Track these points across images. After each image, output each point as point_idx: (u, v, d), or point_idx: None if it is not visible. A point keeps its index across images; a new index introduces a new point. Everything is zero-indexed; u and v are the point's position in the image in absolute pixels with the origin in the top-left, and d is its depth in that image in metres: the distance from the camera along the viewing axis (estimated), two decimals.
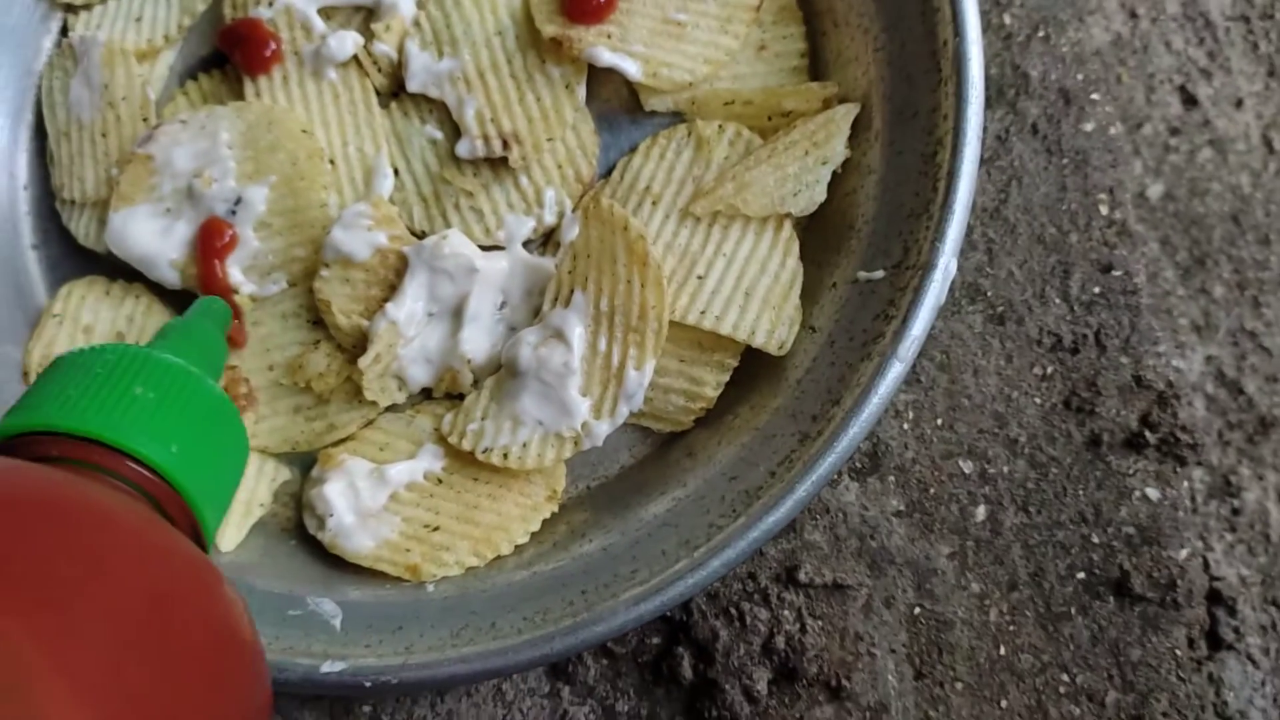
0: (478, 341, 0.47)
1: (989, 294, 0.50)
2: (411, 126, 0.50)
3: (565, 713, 0.47)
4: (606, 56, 0.48)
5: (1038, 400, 0.49)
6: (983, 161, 0.51)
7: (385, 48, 0.50)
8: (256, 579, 0.45)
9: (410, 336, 0.47)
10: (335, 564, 0.46)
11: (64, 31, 0.54)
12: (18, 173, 0.53)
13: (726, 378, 0.47)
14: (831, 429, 0.41)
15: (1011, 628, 0.47)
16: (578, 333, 0.46)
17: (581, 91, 0.49)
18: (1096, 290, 0.50)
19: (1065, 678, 0.47)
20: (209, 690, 0.26)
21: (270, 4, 0.51)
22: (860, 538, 0.48)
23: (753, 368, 0.47)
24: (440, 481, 0.47)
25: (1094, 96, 0.53)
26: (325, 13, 0.51)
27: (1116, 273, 0.51)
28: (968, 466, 0.49)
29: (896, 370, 0.41)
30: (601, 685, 0.47)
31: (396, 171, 0.50)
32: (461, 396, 0.48)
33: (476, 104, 0.49)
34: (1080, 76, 0.53)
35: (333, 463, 0.47)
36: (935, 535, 0.48)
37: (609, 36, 0.48)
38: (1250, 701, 0.47)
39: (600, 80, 0.50)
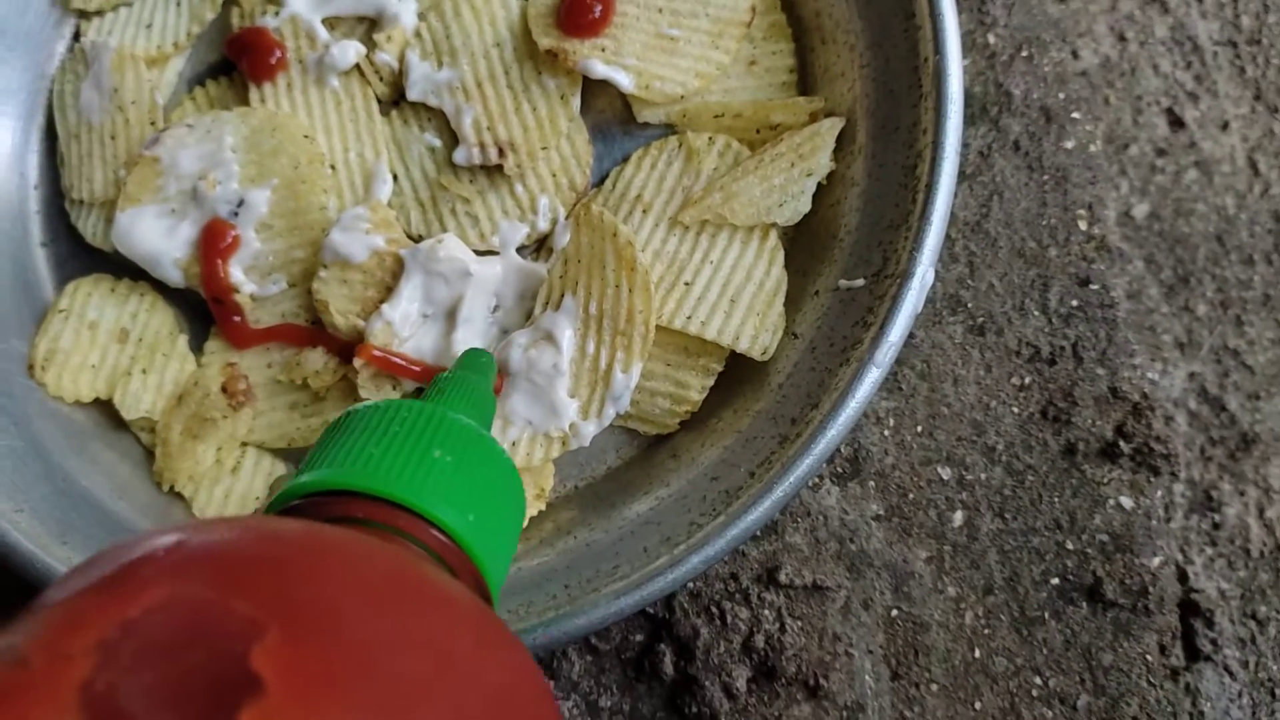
0: (471, 342, 0.49)
1: (970, 305, 0.51)
2: (411, 134, 0.52)
3: None
4: (601, 69, 0.49)
5: (1015, 409, 0.50)
6: (965, 177, 0.53)
7: (386, 57, 0.52)
8: None
9: (405, 337, 0.49)
10: None
11: (76, 37, 0.55)
12: (28, 173, 0.54)
13: (711, 382, 0.48)
14: (810, 432, 0.42)
15: (986, 631, 0.48)
16: (567, 335, 0.47)
17: (576, 102, 0.50)
18: (1074, 303, 0.51)
19: (1038, 681, 0.47)
20: None
21: (276, 13, 0.52)
22: (840, 541, 0.49)
23: (737, 372, 0.48)
24: None
25: (1075, 115, 0.54)
26: (329, 22, 0.52)
27: (1094, 286, 0.52)
28: (946, 473, 0.50)
29: (873, 375, 0.42)
30: (585, 681, 0.48)
31: (395, 177, 0.51)
32: None
33: (474, 113, 0.50)
34: (1062, 96, 0.54)
35: None
36: (913, 539, 0.49)
37: (603, 50, 0.49)
38: (1227, 712, 0.48)
39: (595, 92, 0.51)
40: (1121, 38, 0.57)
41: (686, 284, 0.47)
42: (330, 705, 0.19)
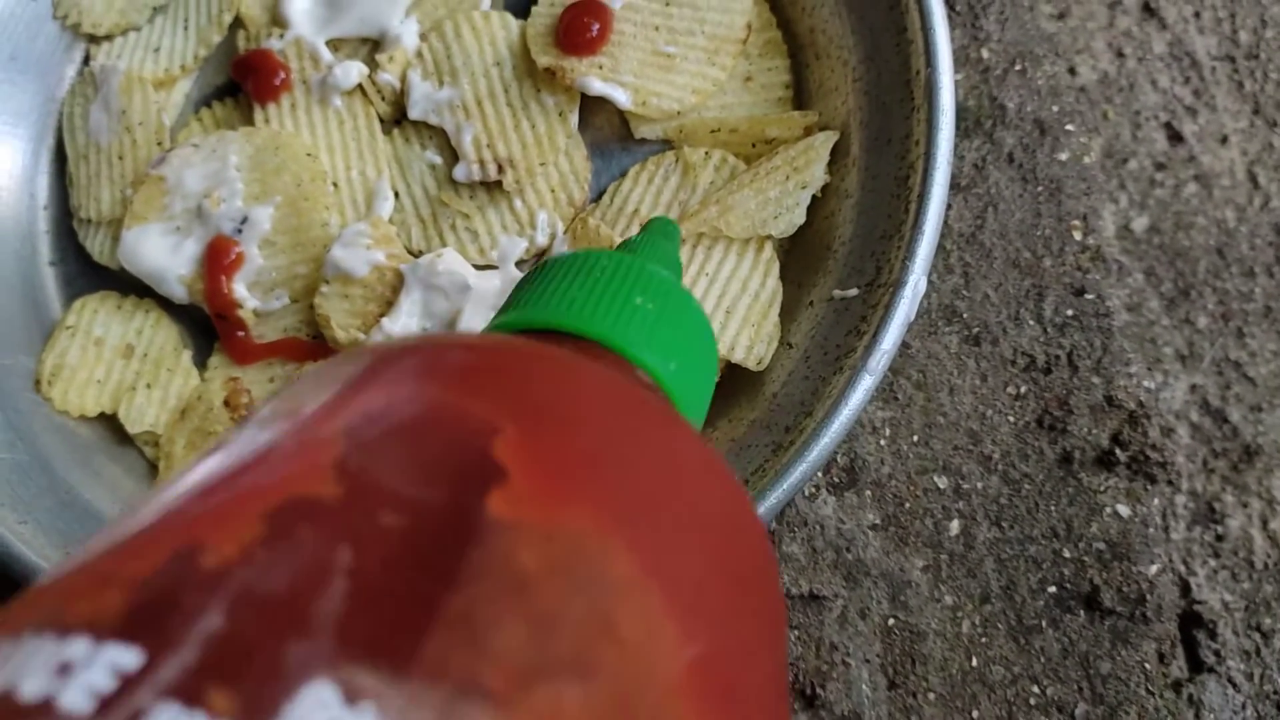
0: None
1: (965, 315, 0.52)
2: (412, 151, 0.53)
3: None
4: (598, 86, 0.50)
5: (1011, 419, 0.50)
6: (960, 189, 0.53)
7: (388, 77, 0.52)
8: None
9: None
10: None
11: (86, 61, 0.56)
12: (38, 193, 0.55)
13: None
14: (803, 439, 0.43)
15: (983, 639, 0.48)
16: None
17: (574, 119, 0.51)
18: (1069, 313, 0.52)
19: (1036, 689, 0.47)
20: (772, 620, 0.23)
21: (281, 36, 0.53)
22: (837, 550, 0.49)
23: (732, 382, 0.48)
24: None
25: (1069, 128, 0.54)
26: (333, 44, 0.53)
27: (1089, 296, 0.52)
28: (943, 482, 0.50)
29: (866, 383, 0.43)
30: None
31: (396, 194, 0.52)
32: None
33: (474, 130, 0.51)
34: (1055, 109, 0.55)
35: None
36: (910, 548, 0.49)
37: (601, 67, 0.50)
38: None
39: (593, 109, 0.52)
40: (1120, 54, 0.58)
41: None
42: (571, 494, 0.19)
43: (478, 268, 0.50)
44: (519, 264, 0.51)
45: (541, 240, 0.51)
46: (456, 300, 0.49)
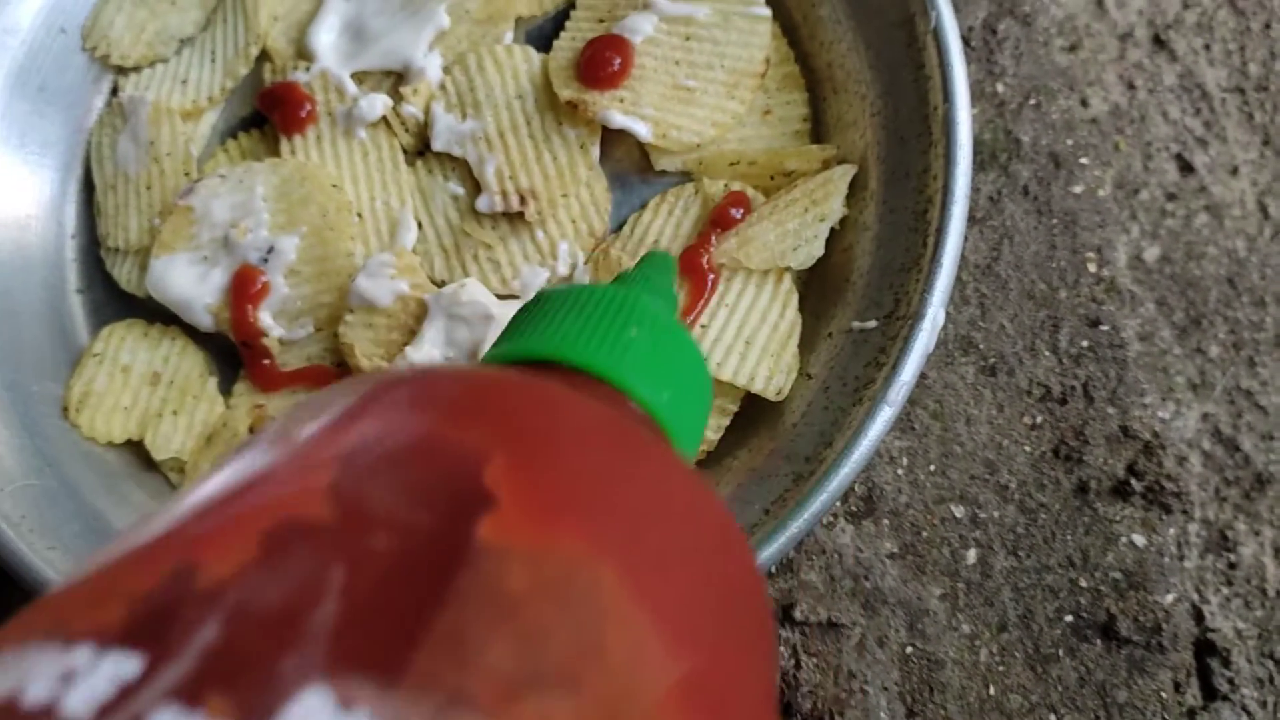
0: None
1: (981, 346, 0.52)
2: (435, 183, 0.53)
3: None
4: (619, 119, 0.51)
5: (1027, 448, 0.51)
6: (975, 221, 0.54)
7: (412, 109, 0.53)
8: None
9: None
10: None
11: (114, 92, 0.57)
12: (65, 222, 0.56)
13: (727, 422, 0.49)
14: (824, 469, 0.43)
15: (1001, 668, 0.48)
16: None
17: (595, 151, 0.52)
18: (1084, 344, 0.52)
19: (1053, 717, 0.48)
20: (760, 643, 0.23)
21: (307, 69, 0.54)
22: (855, 578, 0.49)
23: (752, 413, 0.49)
24: None
25: (1083, 161, 0.55)
26: (358, 77, 0.54)
27: (1104, 327, 0.53)
28: (959, 511, 0.50)
29: (886, 414, 0.43)
30: None
31: (420, 224, 0.53)
32: None
33: (496, 162, 0.52)
34: (1070, 142, 0.56)
35: None
36: (927, 577, 0.49)
37: (622, 100, 0.51)
38: None
39: (613, 141, 0.52)
40: (1130, 86, 0.58)
41: (703, 326, 0.48)
42: (559, 520, 0.20)
43: (500, 297, 0.51)
44: None
45: (563, 270, 0.52)
46: (479, 330, 0.50)
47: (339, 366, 0.52)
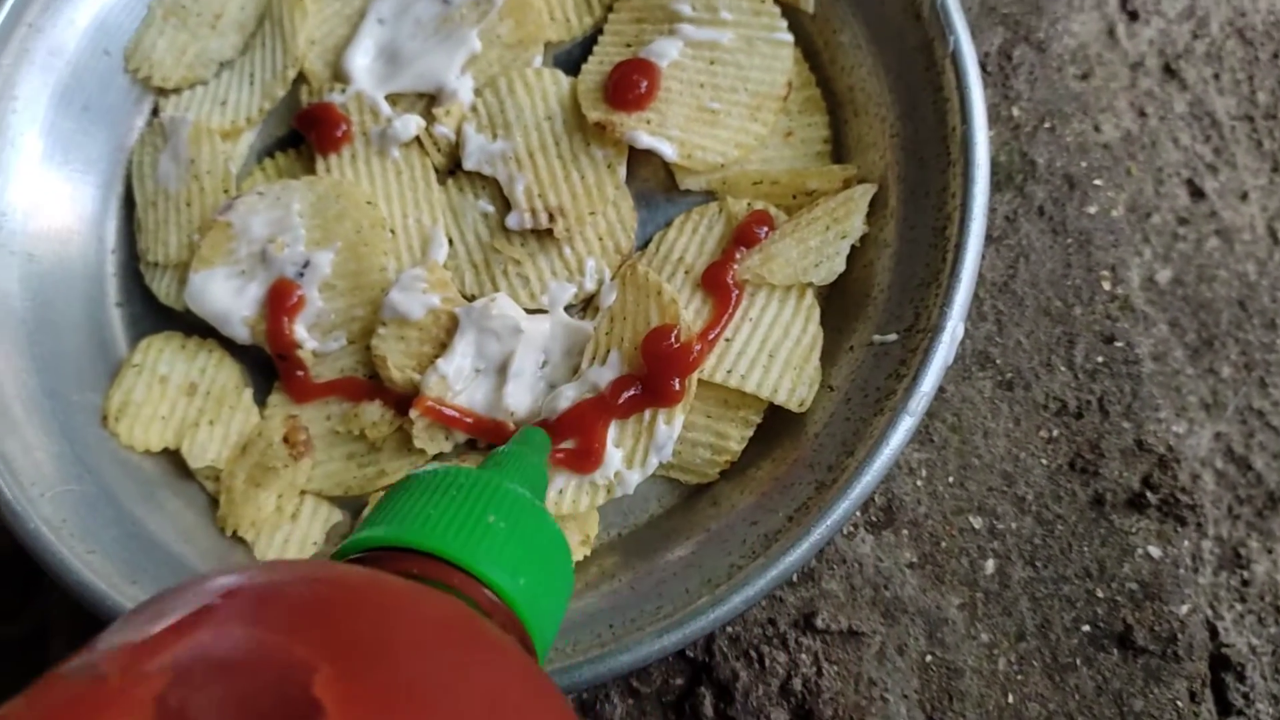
0: (520, 396, 0.51)
1: (998, 361, 0.54)
2: (466, 200, 0.55)
3: None
4: (646, 139, 0.52)
5: (1044, 461, 0.52)
6: (992, 240, 0.55)
7: (445, 130, 0.55)
8: None
9: (458, 390, 0.51)
10: None
11: (155, 112, 0.59)
12: (106, 238, 0.58)
13: (750, 433, 0.50)
14: (846, 477, 0.44)
15: (1019, 677, 0.49)
16: None
17: (622, 171, 0.53)
18: (1099, 359, 0.53)
19: None
20: None
21: (343, 90, 0.56)
22: (875, 587, 0.50)
23: (775, 423, 0.50)
24: None
25: (1097, 182, 0.57)
26: (392, 98, 0.56)
27: (1118, 344, 0.54)
28: (978, 522, 0.51)
29: (907, 424, 0.44)
30: None
31: (451, 241, 0.54)
32: None
33: (526, 181, 0.53)
34: (1084, 164, 0.57)
35: None
36: (946, 586, 0.50)
37: (649, 122, 0.53)
38: None
39: (639, 161, 0.54)
40: (1142, 113, 0.60)
41: (727, 340, 0.50)
42: None
43: (528, 312, 0.52)
44: (568, 308, 0.53)
45: (590, 286, 0.53)
46: (508, 342, 0.51)
47: (371, 379, 0.53)
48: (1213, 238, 0.58)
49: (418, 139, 0.55)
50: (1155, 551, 0.51)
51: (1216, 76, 0.61)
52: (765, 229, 0.51)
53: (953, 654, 0.49)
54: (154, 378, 0.54)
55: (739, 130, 0.53)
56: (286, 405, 0.53)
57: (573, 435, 0.49)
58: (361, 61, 0.57)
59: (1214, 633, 0.50)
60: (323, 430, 0.53)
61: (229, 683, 0.21)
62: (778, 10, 0.54)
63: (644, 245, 0.54)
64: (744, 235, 0.51)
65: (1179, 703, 0.49)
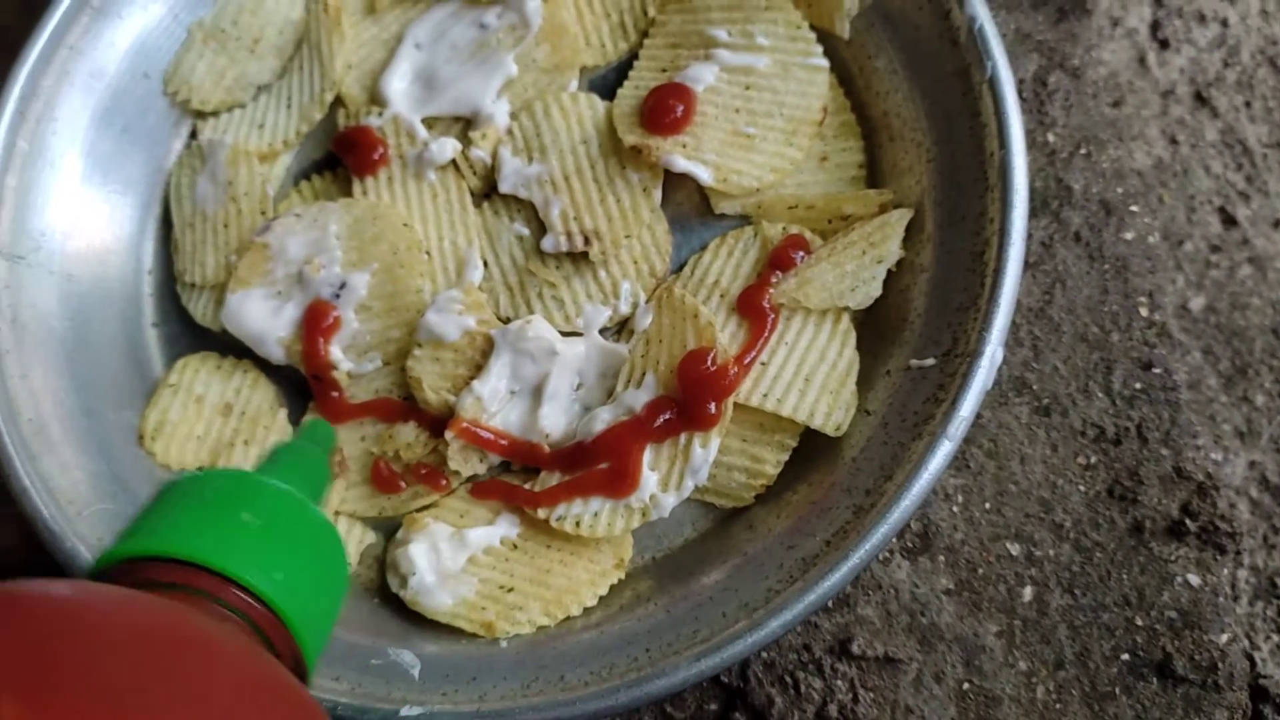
0: (555, 418, 0.51)
1: (1035, 387, 0.53)
2: (501, 223, 0.55)
3: None
4: (682, 163, 0.52)
5: (1082, 488, 0.52)
6: (1028, 265, 0.55)
7: (481, 153, 0.55)
8: (341, 630, 0.48)
9: (493, 412, 0.51)
10: (414, 620, 0.49)
11: (193, 135, 0.60)
12: (143, 258, 0.58)
13: (786, 457, 0.50)
14: (884, 501, 0.44)
15: (1058, 705, 0.49)
16: None
17: (657, 195, 0.54)
18: (1138, 386, 0.53)
19: None
20: None
21: (380, 114, 0.56)
22: (911, 614, 0.50)
23: (810, 448, 0.50)
24: (515, 547, 0.50)
25: (1133, 209, 0.56)
26: (428, 122, 0.57)
27: (1156, 370, 0.53)
28: (1015, 549, 0.51)
29: (946, 448, 0.44)
30: None
31: (486, 263, 0.55)
32: (538, 469, 0.51)
33: (561, 204, 0.54)
34: (1120, 190, 0.57)
35: (418, 526, 0.50)
36: (984, 614, 0.50)
37: (684, 146, 0.53)
38: None
39: (674, 185, 0.54)
40: (1173, 140, 0.60)
41: (763, 364, 0.50)
42: None
43: (563, 334, 0.52)
44: (603, 331, 0.53)
45: (625, 309, 0.53)
46: (544, 364, 0.51)
47: (406, 400, 0.53)
48: (1245, 265, 0.58)
49: (454, 162, 0.56)
50: (1194, 579, 0.50)
51: (1248, 105, 0.61)
52: (801, 253, 0.51)
53: (990, 682, 0.49)
54: (190, 397, 0.54)
55: (774, 155, 0.53)
56: None
57: (608, 458, 0.49)
58: (398, 85, 0.57)
59: (1251, 663, 0.50)
60: (357, 451, 0.53)
61: None
62: (813, 36, 0.54)
63: (679, 269, 0.54)
64: (779, 259, 0.51)
65: None
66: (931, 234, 0.50)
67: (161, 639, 0.26)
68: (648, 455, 0.49)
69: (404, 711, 0.44)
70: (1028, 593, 0.50)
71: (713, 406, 0.48)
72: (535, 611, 0.48)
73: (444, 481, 0.51)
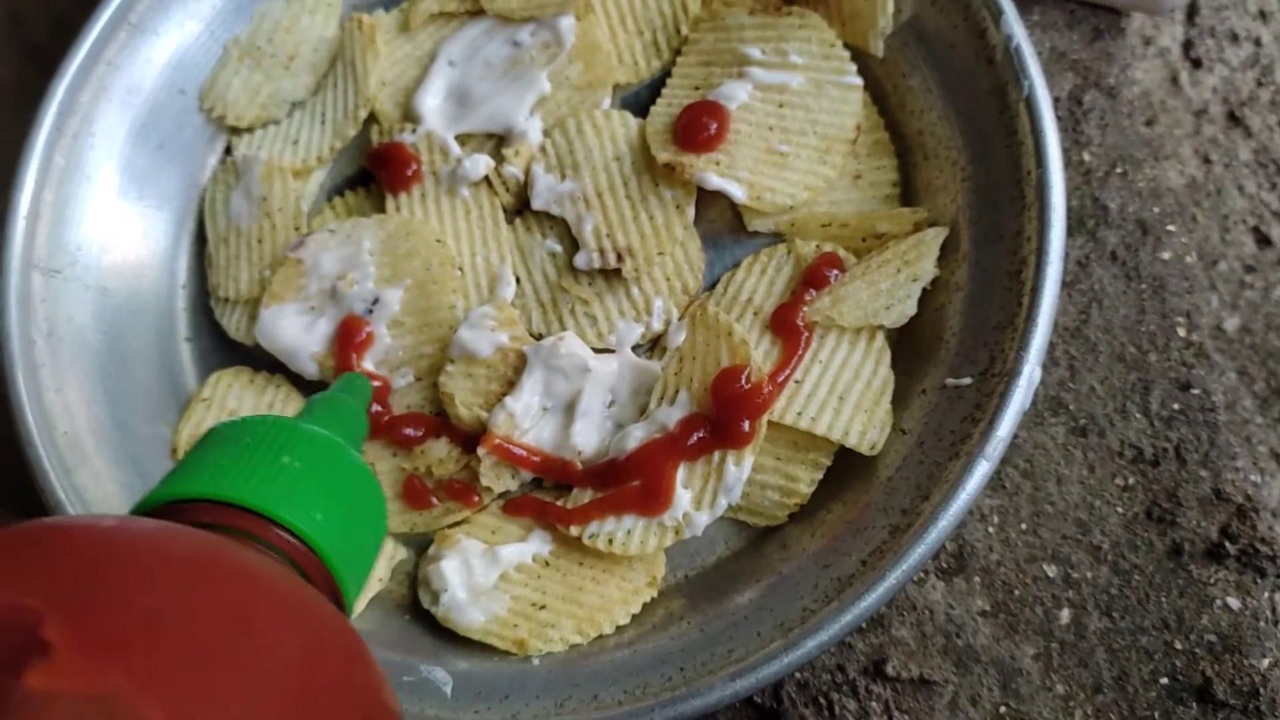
0: (588, 435, 0.51)
1: (1071, 407, 0.53)
2: (534, 240, 0.55)
3: None
4: (715, 181, 0.52)
5: (1120, 509, 0.51)
6: (1064, 284, 0.54)
7: (514, 170, 0.55)
8: (373, 646, 0.47)
9: (525, 429, 0.51)
10: (446, 637, 0.49)
11: (228, 150, 0.60)
12: (178, 273, 0.59)
13: (820, 475, 0.49)
14: (921, 522, 0.44)
15: None
16: None
17: (690, 212, 0.53)
18: (1176, 407, 0.53)
19: None
20: None
21: (413, 130, 0.57)
22: (946, 635, 0.50)
23: (845, 467, 0.49)
24: (548, 564, 0.50)
25: (1170, 228, 0.56)
26: (461, 139, 0.57)
27: (1195, 391, 0.53)
28: (1052, 570, 0.50)
29: (984, 469, 0.44)
30: None
31: (519, 279, 0.55)
32: (570, 485, 0.51)
33: (594, 221, 0.54)
34: (1157, 210, 0.56)
35: (449, 542, 0.50)
36: (1020, 636, 0.49)
37: (718, 163, 0.53)
38: None
39: (707, 202, 0.54)
40: (1207, 160, 0.59)
41: (797, 382, 0.49)
42: (108, 663, 0.22)
43: (596, 351, 0.52)
44: (635, 348, 0.53)
45: (657, 326, 0.53)
46: (576, 381, 0.51)
47: (438, 415, 0.53)
48: (1279, 286, 0.57)
49: (487, 179, 0.56)
50: (1234, 603, 0.50)
51: None
52: (835, 271, 0.51)
53: (1027, 705, 0.48)
54: (223, 412, 0.54)
55: (808, 173, 0.53)
56: None
57: (641, 476, 0.49)
58: (432, 102, 0.57)
59: None
60: (389, 466, 0.53)
61: None
62: (847, 54, 0.54)
63: (711, 286, 0.54)
64: (813, 277, 0.51)
65: None
66: (967, 252, 0.50)
67: (208, 567, 0.26)
68: (681, 473, 0.49)
69: None
70: (1065, 615, 0.50)
71: (746, 424, 0.48)
72: (568, 629, 0.48)
73: (476, 498, 0.51)
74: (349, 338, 0.53)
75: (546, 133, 0.56)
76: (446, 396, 0.52)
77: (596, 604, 0.48)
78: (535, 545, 0.50)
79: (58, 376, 0.52)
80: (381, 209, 0.56)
